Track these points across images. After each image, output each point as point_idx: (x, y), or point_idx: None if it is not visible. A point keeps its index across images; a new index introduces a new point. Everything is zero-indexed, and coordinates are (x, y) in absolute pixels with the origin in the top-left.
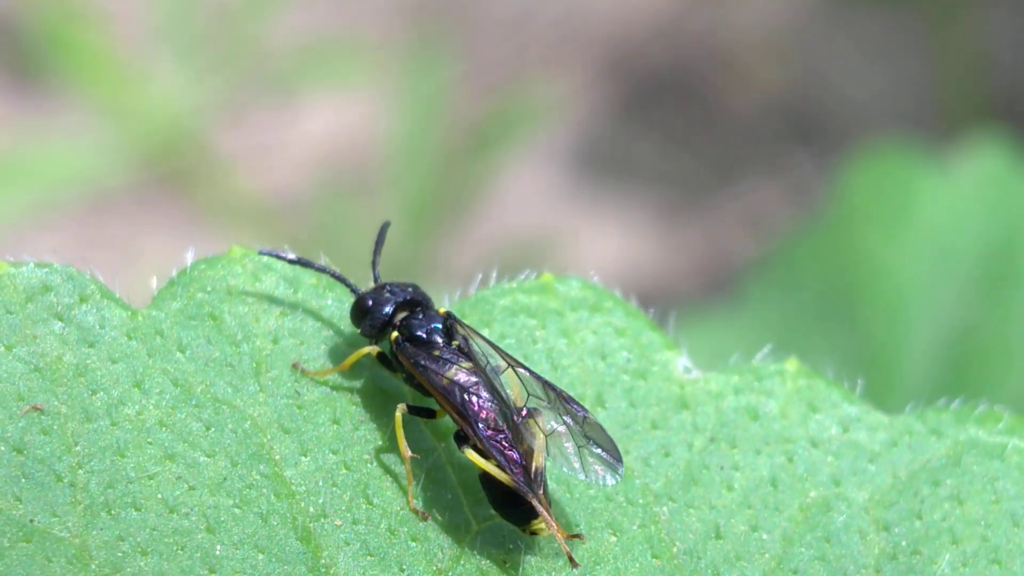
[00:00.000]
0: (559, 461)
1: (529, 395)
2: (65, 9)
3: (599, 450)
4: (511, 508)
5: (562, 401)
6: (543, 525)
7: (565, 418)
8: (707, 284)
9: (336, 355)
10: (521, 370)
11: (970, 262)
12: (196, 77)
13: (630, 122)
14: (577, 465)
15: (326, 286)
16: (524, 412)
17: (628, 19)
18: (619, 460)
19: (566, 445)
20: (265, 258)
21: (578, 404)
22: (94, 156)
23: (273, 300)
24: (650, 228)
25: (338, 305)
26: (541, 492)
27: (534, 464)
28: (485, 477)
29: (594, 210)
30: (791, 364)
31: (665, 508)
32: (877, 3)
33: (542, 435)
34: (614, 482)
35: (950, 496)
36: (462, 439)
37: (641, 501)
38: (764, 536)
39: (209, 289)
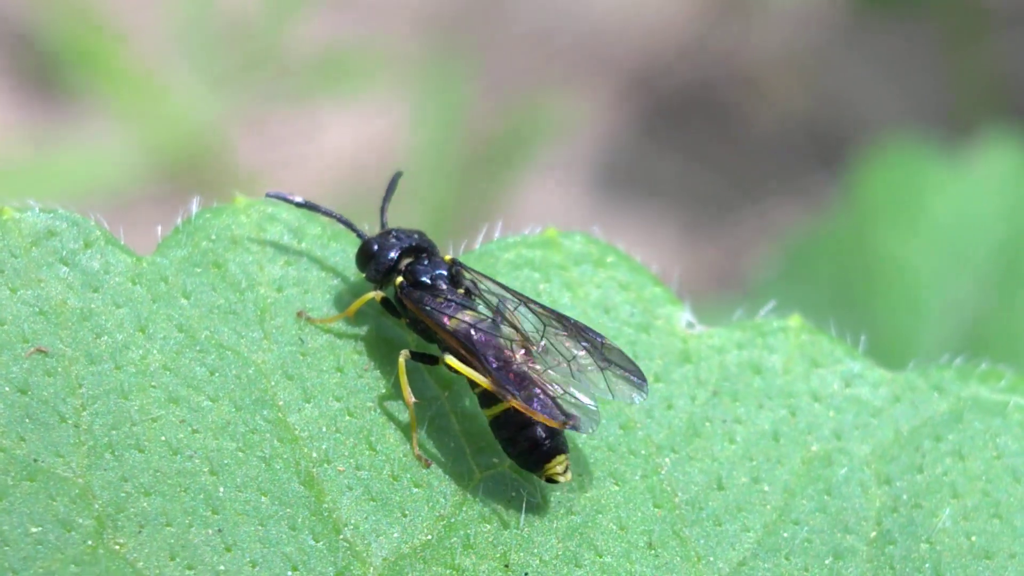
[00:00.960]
0: (584, 384)
1: (546, 327)
2: (87, 21)
3: (622, 371)
4: (527, 453)
5: (579, 330)
6: (559, 469)
7: (584, 344)
8: (726, 297)
9: (340, 303)
10: (534, 305)
11: (983, 258)
12: (217, 88)
13: (652, 139)
14: (603, 386)
15: (331, 236)
16: (543, 344)
17: (651, 37)
18: (643, 379)
19: (589, 369)
20: (270, 208)
21: (595, 332)
22: (115, 166)
23: (278, 249)
24: (672, 245)
25: (342, 255)
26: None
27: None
28: (496, 424)
29: (616, 227)
30: (794, 320)
31: (667, 459)
32: (896, 23)
33: (565, 362)
34: (641, 399)
35: (951, 451)
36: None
37: (643, 452)
38: (766, 488)
39: (214, 237)
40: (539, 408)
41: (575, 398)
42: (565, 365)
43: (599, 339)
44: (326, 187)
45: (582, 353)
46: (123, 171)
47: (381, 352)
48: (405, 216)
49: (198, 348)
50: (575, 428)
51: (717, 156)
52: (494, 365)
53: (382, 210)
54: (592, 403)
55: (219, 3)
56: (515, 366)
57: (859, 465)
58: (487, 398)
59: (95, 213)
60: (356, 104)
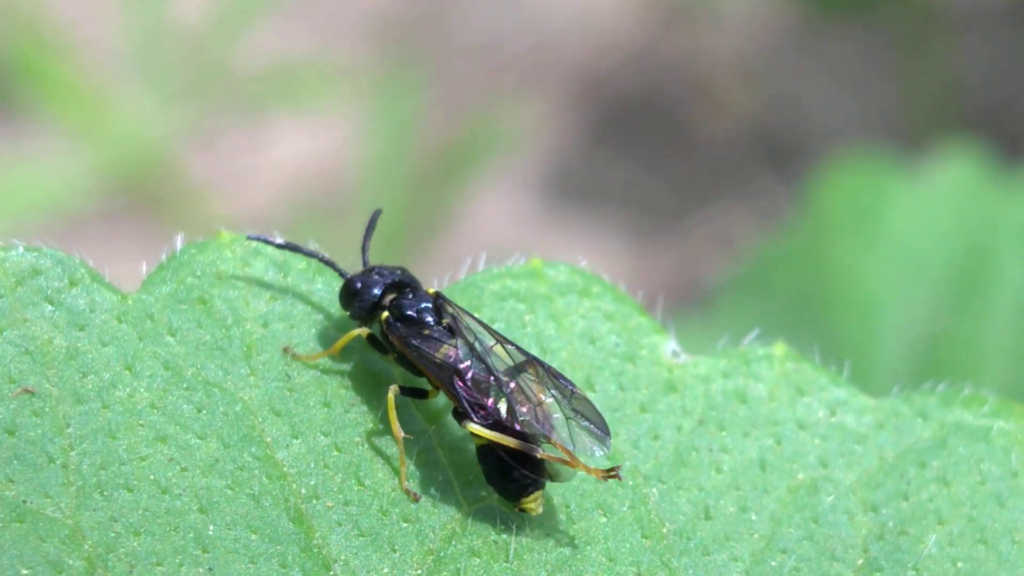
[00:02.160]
0: (549, 434)
1: (518, 370)
2: (35, 36)
3: (587, 423)
4: (506, 483)
5: (550, 376)
6: (533, 504)
7: (553, 391)
8: (680, 308)
9: (326, 339)
10: (509, 347)
11: (941, 269)
12: (167, 103)
13: (602, 147)
14: (566, 436)
15: (315, 271)
16: (513, 385)
17: (600, 45)
18: (607, 433)
19: (553, 416)
20: (254, 243)
21: (566, 379)
22: (65, 182)
23: (263, 285)
24: (622, 252)
25: (327, 289)
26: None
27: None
28: (482, 452)
29: (566, 235)
30: (779, 348)
31: (655, 489)
32: (848, 29)
33: (532, 407)
34: (602, 454)
35: (936, 477)
36: (460, 415)
37: (631, 483)
38: (753, 517)
39: (199, 273)
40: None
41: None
42: (531, 409)
43: (569, 388)
44: (277, 200)
45: (549, 401)
46: (73, 188)
47: (368, 387)
48: (357, 231)
49: (185, 386)
50: (537, 481)
51: (667, 163)
52: (474, 407)
53: (363, 248)
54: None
55: (169, 18)
56: (492, 410)
57: (845, 493)
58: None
59: (79, 250)
60: (307, 117)
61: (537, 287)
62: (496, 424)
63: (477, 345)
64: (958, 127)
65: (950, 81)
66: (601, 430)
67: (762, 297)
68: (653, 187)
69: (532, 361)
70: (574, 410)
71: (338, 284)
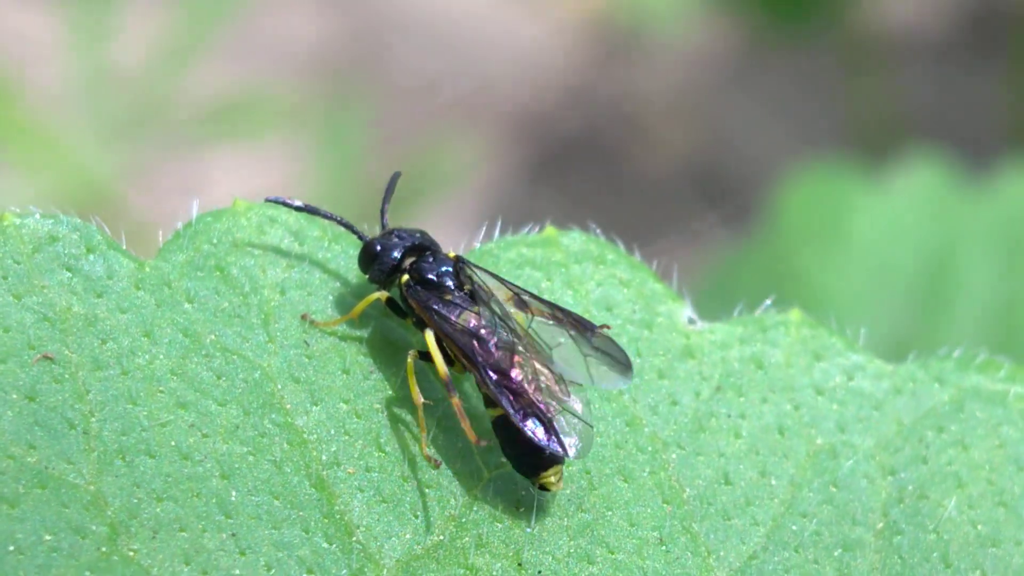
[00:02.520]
0: (566, 373)
1: (534, 316)
2: None
3: (608, 357)
4: (521, 456)
5: (569, 317)
6: (553, 478)
7: (571, 331)
8: None
9: (343, 305)
10: (526, 296)
11: (905, 277)
12: (110, 141)
13: (540, 185)
14: (584, 373)
15: (331, 238)
16: (529, 330)
17: (538, 85)
18: (629, 366)
19: (572, 356)
20: (270, 211)
21: (587, 321)
22: None
23: (279, 252)
24: None
25: (343, 256)
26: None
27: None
28: (497, 423)
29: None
30: (794, 314)
31: (674, 455)
32: (784, 62)
33: (547, 351)
34: (625, 384)
35: (955, 442)
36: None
37: (650, 448)
38: (773, 482)
39: (215, 241)
40: (529, 425)
41: (575, 413)
42: (547, 352)
43: (590, 327)
44: None
45: (567, 340)
46: None
47: (386, 353)
48: None
49: (204, 352)
50: (555, 454)
51: (605, 201)
52: (492, 377)
53: (382, 211)
54: (587, 421)
55: (112, 55)
56: (513, 378)
57: (864, 457)
58: (490, 398)
59: (96, 217)
60: (249, 154)
61: (552, 255)
62: (516, 393)
63: (500, 311)
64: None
65: (890, 110)
66: (623, 363)
67: (729, 310)
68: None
69: (553, 308)
70: (594, 347)
71: (354, 251)
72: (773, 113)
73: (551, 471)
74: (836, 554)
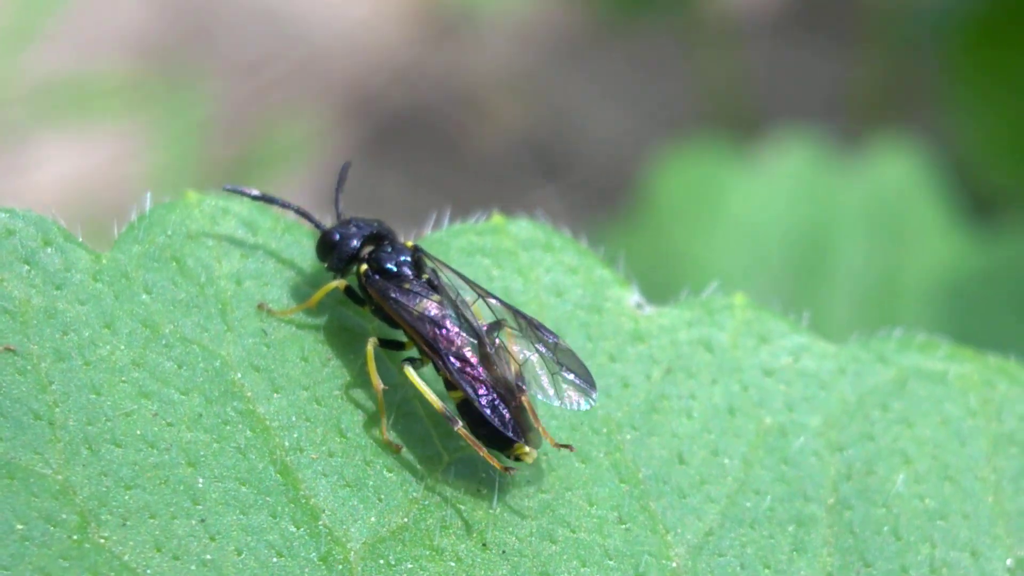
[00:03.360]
0: (533, 388)
1: (501, 325)
2: None
3: (572, 376)
4: (491, 435)
5: (533, 329)
6: (527, 449)
7: (537, 346)
8: None
9: (299, 294)
10: (491, 300)
11: (781, 252)
12: None
13: (375, 162)
14: (552, 392)
15: (284, 228)
16: (496, 342)
17: (368, 62)
18: (592, 385)
19: (539, 372)
20: (222, 202)
21: (549, 331)
22: None
23: (233, 242)
24: None
25: (297, 246)
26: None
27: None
28: (461, 407)
29: None
30: (738, 298)
31: (628, 436)
32: (614, 40)
33: (516, 364)
34: (589, 407)
35: (899, 419)
36: (415, 363)
37: (604, 430)
38: (725, 461)
39: (170, 233)
40: (492, 413)
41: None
42: (516, 367)
43: (552, 340)
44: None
45: (534, 356)
46: None
47: (343, 340)
48: None
49: (164, 343)
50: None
51: (441, 176)
52: (455, 364)
53: (336, 201)
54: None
55: None
56: (472, 365)
57: (812, 435)
58: (451, 383)
59: (51, 210)
60: (79, 136)
61: (502, 242)
62: (476, 379)
63: (458, 300)
64: (743, 128)
65: (724, 88)
66: (586, 383)
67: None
68: (428, 200)
69: (515, 314)
70: (559, 363)
71: (307, 241)
72: (608, 88)
73: (522, 444)
74: (790, 530)
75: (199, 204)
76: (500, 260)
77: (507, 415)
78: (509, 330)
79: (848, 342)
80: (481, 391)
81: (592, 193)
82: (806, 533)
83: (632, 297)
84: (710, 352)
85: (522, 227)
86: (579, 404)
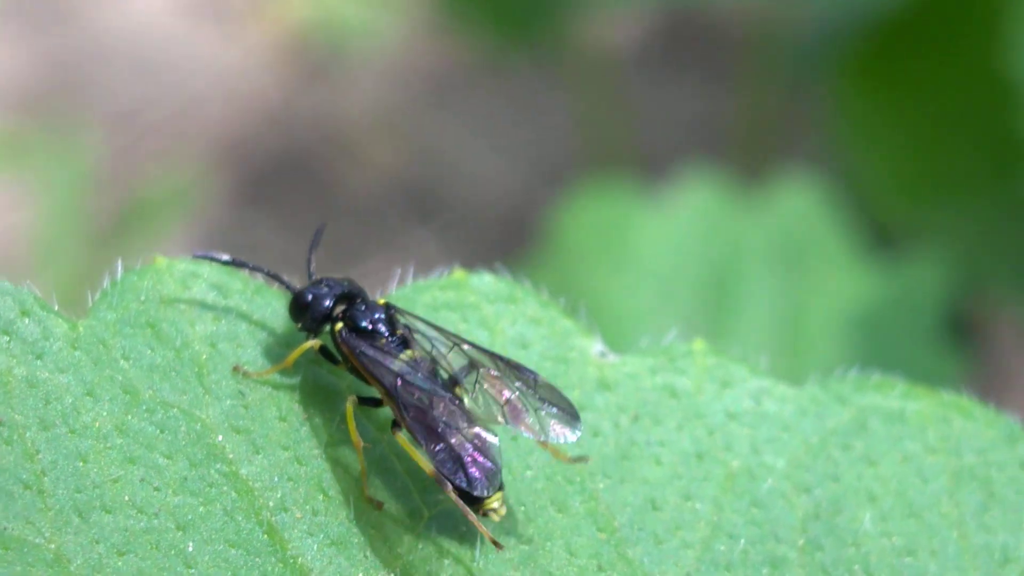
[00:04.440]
0: (519, 428)
1: (478, 370)
2: None
3: (555, 409)
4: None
5: (511, 368)
6: (495, 505)
7: (517, 384)
8: None
9: (272, 355)
10: (466, 346)
11: (690, 292)
12: None
13: (249, 207)
14: (537, 428)
15: (254, 291)
16: (476, 389)
17: (241, 107)
18: (576, 416)
19: (522, 410)
20: (191, 266)
21: (527, 369)
22: None
23: (204, 306)
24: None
25: (267, 308)
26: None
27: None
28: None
29: None
30: (698, 344)
31: (601, 484)
32: (487, 80)
33: (496, 406)
34: (576, 437)
35: (861, 458)
36: (396, 425)
37: (578, 479)
38: (697, 505)
39: (143, 299)
40: (440, 459)
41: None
42: (497, 410)
43: (532, 376)
44: None
45: (515, 396)
46: None
47: (319, 399)
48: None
49: (145, 408)
50: (462, 488)
51: (315, 219)
52: (409, 414)
53: (308, 261)
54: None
55: None
56: (438, 418)
57: (779, 477)
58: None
59: (27, 281)
60: None
61: (465, 296)
62: (431, 429)
63: (434, 352)
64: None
65: (608, 123)
66: (570, 414)
67: None
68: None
69: (492, 357)
70: (541, 399)
71: (276, 302)
72: (482, 126)
73: (493, 497)
74: (764, 572)
75: (169, 269)
76: (465, 314)
77: (475, 472)
78: (487, 371)
79: (806, 383)
80: (439, 447)
81: (468, 233)
82: (780, 575)
83: (595, 346)
84: (675, 398)
85: (484, 281)
86: (566, 436)
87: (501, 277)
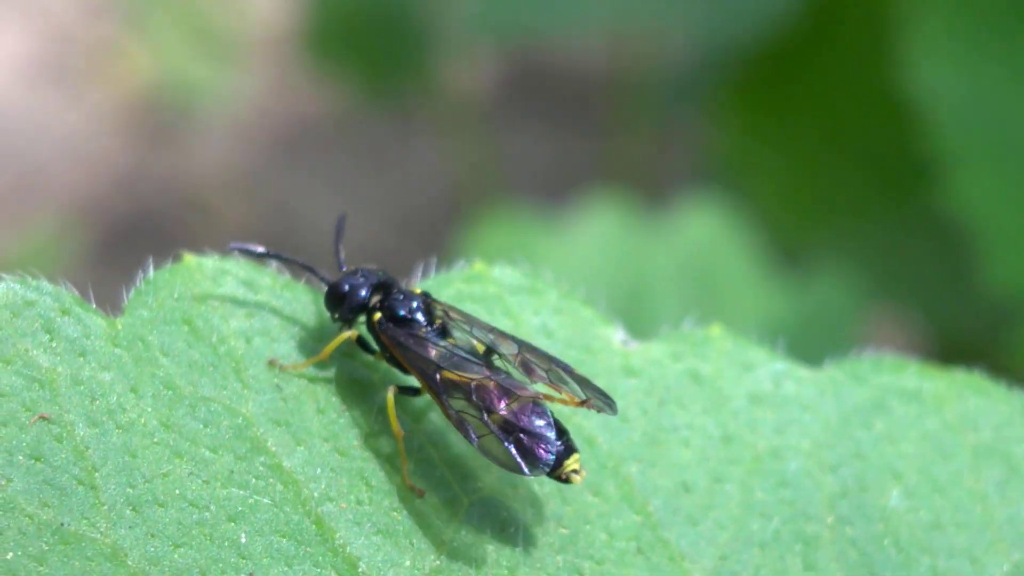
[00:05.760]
0: (560, 395)
1: (517, 354)
2: None
3: (593, 388)
4: (533, 460)
5: (546, 357)
6: (576, 467)
7: (553, 364)
8: None
9: (306, 349)
10: (504, 335)
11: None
12: None
13: (103, 271)
14: (578, 395)
15: (283, 286)
16: (519, 361)
17: (88, 171)
18: (612, 400)
19: (561, 383)
20: (220, 263)
21: (561, 361)
22: None
23: (236, 302)
24: None
25: (296, 302)
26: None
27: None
28: (483, 448)
29: None
30: (715, 330)
31: (633, 468)
32: (331, 135)
33: (537, 378)
34: (615, 414)
35: (883, 436)
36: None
37: (611, 464)
38: (728, 487)
39: (176, 296)
40: (496, 448)
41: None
42: (539, 382)
43: (567, 366)
44: None
45: (553, 371)
46: None
47: (354, 391)
48: None
49: (187, 403)
50: (522, 472)
51: None
52: (453, 400)
53: (336, 252)
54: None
55: None
56: (483, 399)
57: (805, 457)
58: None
59: (64, 280)
60: None
61: (488, 288)
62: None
63: (471, 339)
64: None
65: (468, 170)
66: (607, 397)
67: None
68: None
69: (529, 346)
70: (578, 380)
71: (305, 297)
72: (333, 180)
73: (569, 462)
74: (798, 549)
75: (199, 267)
76: (489, 305)
77: (530, 443)
78: (524, 353)
79: (824, 365)
80: (488, 427)
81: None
82: (813, 551)
83: (617, 334)
84: (698, 383)
85: (505, 272)
86: (605, 411)
87: (520, 269)
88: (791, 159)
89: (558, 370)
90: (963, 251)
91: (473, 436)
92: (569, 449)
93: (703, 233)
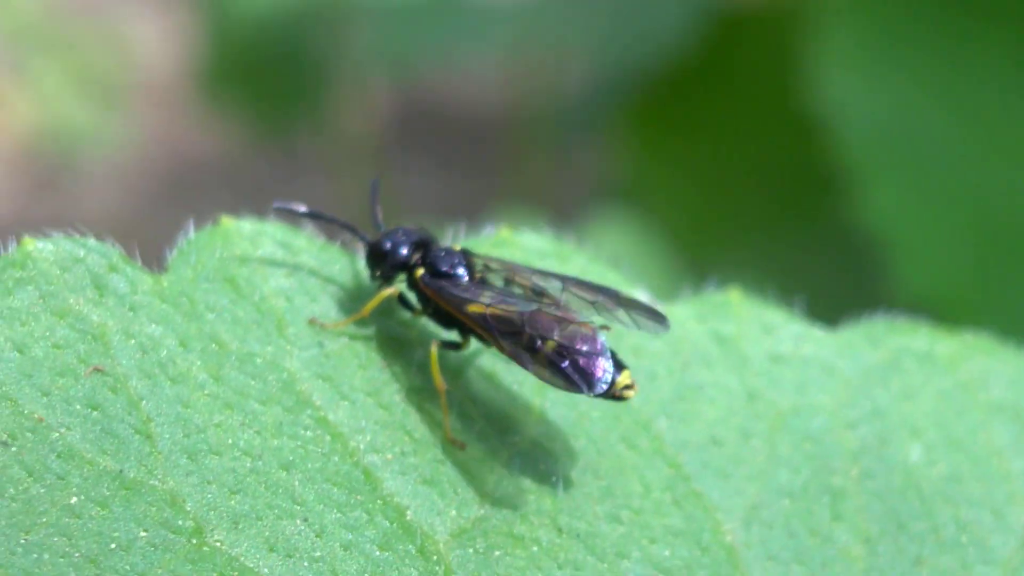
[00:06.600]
0: (612, 320)
1: (564, 284)
2: None
3: (642, 309)
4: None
5: (593, 288)
6: (629, 382)
7: (601, 292)
8: None
9: (345, 307)
10: (547, 274)
11: None
12: None
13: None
14: (628, 321)
15: (319, 247)
16: (564, 297)
17: None
18: (663, 315)
19: (611, 309)
20: (257, 225)
21: (607, 288)
22: None
23: (274, 263)
24: None
25: (333, 262)
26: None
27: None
28: (546, 375)
29: None
30: (734, 294)
31: (663, 424)
32: (218, 179)
33: (586, 305)
34: (667, 330)
35: (900, 395)
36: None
37: (642, 418)
38: (755, 442)
39: (218, 256)
40: (554, 376)
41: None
42: (588, 309)
43: (613, 289)
44: None
45: (601, 298)
46: None
47: (394, 348)
48: None
49: (234, 357)
50: (582, 392)
51: None
52: (506, 338)
53: (373, 213)
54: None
55: None
56: (537, 332)
57: (826, 415)
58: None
59: (110, 237)
60: None
61: (515, 253)
62: (531, 344)
63: (515, 283)
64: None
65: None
66: (656, 312)
67: None
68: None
69: (570, 280)
70: (628, 301)
71: (343, 260)
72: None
73: (622, 378)
74: (825, 500)
75: (237, 229)
76: None
77: (586, 364)
78: (571, 285)
79: (839, 327)
80: (543, 358)
81: None
82: (840, 502)
83: (642, 296)
84: (721, 344)
85: (531, 238)
86: (657, 330)
87: (543, 235)
88: (694, 177)
89: (604, 300)
90: (868, 263)
91: (530, 364)
92: (620, 366)
93: (606, 252)
